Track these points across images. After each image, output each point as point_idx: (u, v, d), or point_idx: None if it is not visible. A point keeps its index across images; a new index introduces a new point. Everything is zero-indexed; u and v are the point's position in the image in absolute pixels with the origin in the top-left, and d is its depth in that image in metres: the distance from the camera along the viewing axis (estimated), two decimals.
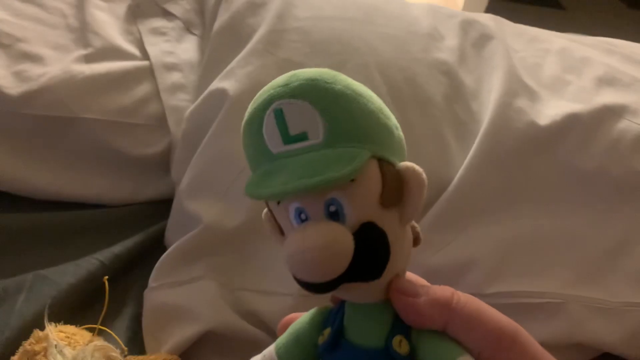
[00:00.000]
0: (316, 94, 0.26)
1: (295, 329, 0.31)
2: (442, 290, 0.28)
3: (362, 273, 0.26)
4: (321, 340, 0.29)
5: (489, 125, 0.61)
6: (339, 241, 0.25)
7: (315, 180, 0.24)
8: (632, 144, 0.62)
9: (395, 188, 0.27)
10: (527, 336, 0.28)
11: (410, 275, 0.31)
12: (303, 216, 0.27)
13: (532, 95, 0.65)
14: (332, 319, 0.30)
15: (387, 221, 0.27)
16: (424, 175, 0.27)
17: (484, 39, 0.72)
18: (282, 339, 0.31)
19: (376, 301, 0.29)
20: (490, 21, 0.77)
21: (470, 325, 0.27)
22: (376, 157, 0.26)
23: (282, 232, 0.29)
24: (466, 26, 0.73)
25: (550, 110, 0.64)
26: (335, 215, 0.26)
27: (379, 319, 0.29)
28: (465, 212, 0.60)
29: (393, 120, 0.28)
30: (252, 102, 0.28)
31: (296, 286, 0.58)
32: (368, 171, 0.26)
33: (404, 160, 0.28)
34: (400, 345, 0.28)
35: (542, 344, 0.28)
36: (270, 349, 0.31)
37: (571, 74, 0.71)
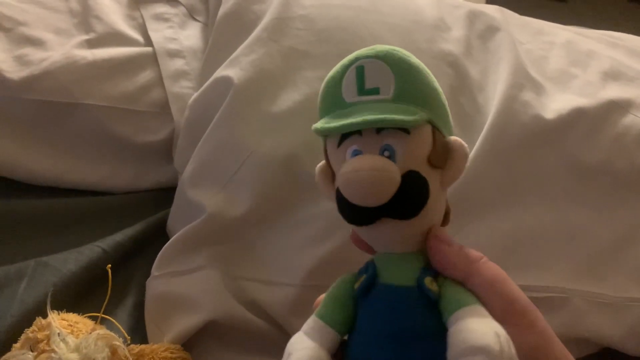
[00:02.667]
0: (394, 59, 0.31)
1: (329, 292, 0.33)
2: (474, 250, 0.31)
3: (402, 208, 0.29)
4: (358, 284, 0.32)
5: (495, 118, 0.61)
6: (390, 169, 0.29)
7: (381, 117, 0.29)
8: (637, 138, 0.62)
9: (442, 153, 0.31)
10: (540, 316, 0.30)
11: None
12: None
13: (538, 88, 0.65)
14: (364, 271, 0.33)
15: (430, 176, 0.30)
16: (468, 150, 0.31)
17: (490, 30, 0.71)
18: (319, 307, 0.33)
19: (406, 250, 0.32)
20: (497, 12, 0.76)
21: (487, 287, 0.29)
22: (432, 124, 0.31)
23: (332, 181, 0.34)
24: (472, 17, 0.73)
25: (556, 103, 0.63)
26: (387, 159, 0.30)
27: (410, 265, 0.31)
28: (469, 205, 0.59)
29: (447, 103, 0.33)
30: (341, 61, 0.33)
31: (299, 276, 0.58)
32: (422, 131, 0.30)
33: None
34: (431, 284, 0.30)
35: None
36: (310, 318, 0.33)
37: (577, 67, 0.71)
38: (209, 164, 0.61)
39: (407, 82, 0.30)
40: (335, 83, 0.32)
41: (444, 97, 0.32)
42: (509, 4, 0.84)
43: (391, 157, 0.30)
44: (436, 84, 0.32)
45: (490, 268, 0.30)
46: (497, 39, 0.70)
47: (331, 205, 0.58)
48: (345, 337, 0.33)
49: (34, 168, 0.65)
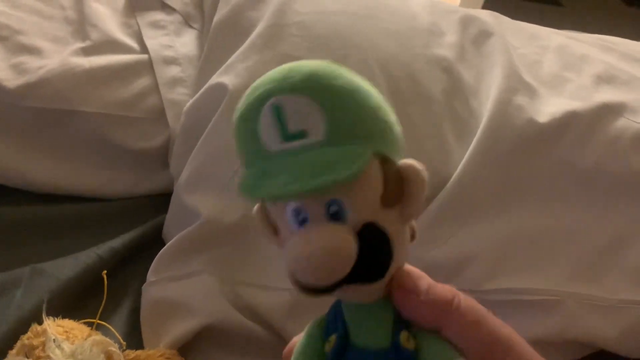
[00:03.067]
0: (317, 89, 0.25)
1: (298, 350, 0.30)
2: (443, 291, 0.27)
3: (365, 275, 0.26)
4: (328, 347, 0.29)
5: (488, 122, 0.61)
6: (344, 245, 0.24)
7: (318, 181, 0.23)
8: (630, 142, 0.62)
9: (397, 186, 0.26)
10: (524, 347, 0.27)
11: (410, 268, 0.31)
12: (301, 217, 0.26)
13: (531, 92, 0.65)
14: (333, 325, 0.29)
15: (388, 220, 0.26)
16: (425, 173, 0.26)
17: (483, 35, 0.72)
18: None
19: (375, 299, 0.28)
20: (490, 17, 0.76)
21: (464, 335, 0.27)
22: (377, 156, 0.25)
23: (274, 231, 0.28)
24: (466, 22, 0.73)
25: (549, 107, 0.64)
26: (335, 216, 0.25)
27: (380, 317, 0.28)
28: (464, 209, 0.60)
29: (392, 115, 0.27)
30: (246, 95, 0.26)
31: None
32: (369, 170, 0.25)
33: (403, 157, 0.27)
34: (407, 341, 0.27)
35: (538, 341, 0.28)
36: None
37: (570, 71, 0.71)
38: (205, 170, 0.61)
39: (338, 115, 0.24)
40: (251, 127, 0.25)
41: (384, 109, 0.26)
42: (505, 8, 0.84)
43: (340, 214, 0.25)
44: (372, 98, 0.26)
45: (463, 314, 0.27)
46: (491, 44, 0.71)
47: None
48: None
49: (30, 175, 0.66)
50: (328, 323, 0.30)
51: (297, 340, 0.31)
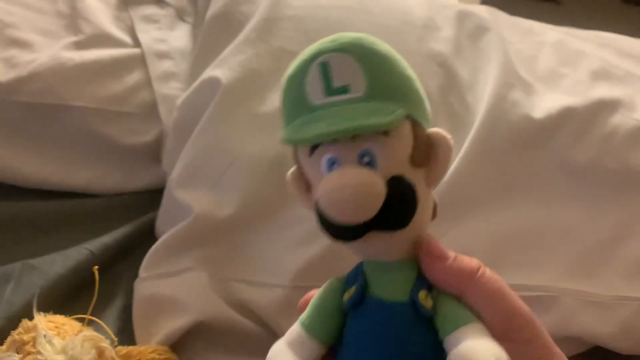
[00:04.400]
0: (362, 51, 0.28)
1: (316, 300, 0.31)
2: (469, 261, 0.29)
3: (390, 220, 0.27)
4: (347, 296, 0.30)
5: (484, 118, 0.61)
6: (375, 182, 0.26)
7: (357, 123, 0.26)
8: (626, 138, 0.62)
9: (425, 149, 0.29)
10: (540, 327, 0.29)
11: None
12: (335, 166, 0.28)
13: (527, 87, 0.65)
14: (353, 279, 0.31)
15: (415, 178, 0.28)
16: (452, 141, 0.29)
17: (479, 30, 0.71)
18: (304, 314, 0.31)
19: (397, 258, 0.30)
20: (486, 13, 0.76)
21: (485, 303, 0.28)
22: (410, 118, 0.28)
23: (307, 190, 0.31)
24: (462, 17, 0.73)
25: (545, 103, 0.63)
26: (367, 166, 0.27)
27: (402, 276, 0.30)
28: (459, 204, 0.59)
29: (423, 91, 0.30)
30: (298, 56, 0.29)
31: (287, 277, 0.58)
32: (402, 129, 0.28)
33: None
34: (425, 299, 0.28)
35: None
36: (294, 327, 0.31)
37: (566, 67, 0.71)
38: (197, 165, 0.60)
39: (378, 76, 0.27)
40: (298, 83, 0.28)
41: (418, 83, 0.30)
42: (502, 5, 0.84)
43: (371, 164, 0.27)
44: (409, 69, 0.29)
45: (487, 282, 0.28)
46: (487, 39, 0.70)
47: None
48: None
49: (21, 170, 0.65)
50: (348, 278, 0.31)
51: (314, 292, 0.32)
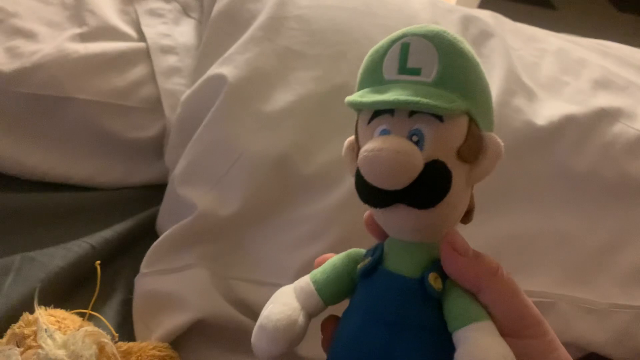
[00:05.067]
0: (443, 42, 0.29)
1: (332, 261, 0.33)
2: (490, 260, 0.30)
3: (419, 197, 0.28)
4: (361, 265, 0.32)
5: None
6: (413, 153, 0.28)
7: (420, 99, 0.27)
8: (625, 147, 0.63)
9: (475, 148, 0.29)
10: (548, 326, 0.30)
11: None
12: None
13: (529, 94, 0.65)
14: (371, 253, 0.32)
15: (456, 170, 0.29)
16: (503, 149, 0.30)
17: (483, 35, 0.72)
18: (317, 269, 0.33)
19: (418, 240, 0.31)
20: (490, 18, 0.76)
21: (498, 303, 0.29)
22: (469, 115, 0.29)
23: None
24: (466, 22, 0.73)
25: (547, 110, 0.64)
26: (414, 144, 0.28)
27: (418, 256, 0.31)
28: None
29: (492, 103, 0.31)
30: (389, 35, 0.31)
31: (288, 276, 0.58)
32: (457, 121, 0.29)
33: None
34: (435, 281, 0.30)
35: None
36: (304, 277, 0.33)
37: (568, 75, 0.71)
38: (201, 162, 0.60)
39: (450, 67, 0.29)
40: (379, 57, 0.30)
41: (489, 91, 0.31)
42: (500, 11, 0.84)
43: (419, 143, 0.28)
44: (484, 75, 0.30)
45: (503, 283, 0.29)
46: (491, 45, 0.71)
47: (322, 206, 0.58)
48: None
49: (22, 162, 0.64)
50: (367, 252, 0.33)
51: (331, 255, 0.34)
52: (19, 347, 0.46)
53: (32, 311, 0.49)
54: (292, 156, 0.58)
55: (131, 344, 0.51)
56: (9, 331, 0.48)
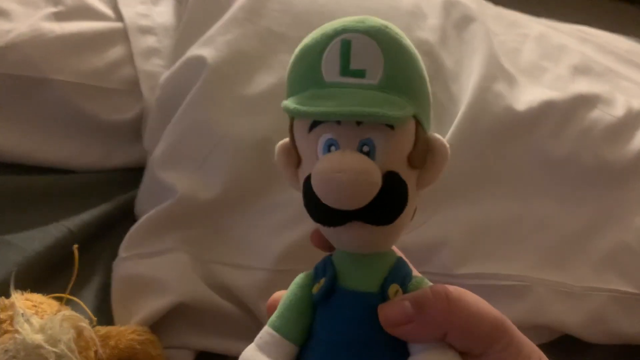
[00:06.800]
0: (387, 40, 0.27)
1: (285, 299, 0.30)
2: (437, 298, 0.27)
3: (378, 214, 0.27)
4: (316, 289, 0.29)
5: (467, 108, 0.61)
6: (373, 172, 0.26)
7: (372, 110, 0.25)
8: (602, 133, 0.63)
9: (423, 152, 0.28)
10: (510, 323, 0.28)
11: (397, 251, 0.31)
12: (333, 149, 0.27)
13: (510, 80, 0.66)
14: (322, 272, 0.30)
15: (408, 179, 0.28)
16: (449, 150, 0.28)
17: (465, 20, 0.72)
18: (273, 316, 0.30)
19: (373, 252, 0.29)
20: (472, 3, 0.76)
21: (467, 330, 0.27)
22: (416, 118, 0.28)
23: (296, 165, 0.30)
24: (448, 6, 0.73)
25: (527, 96, 0.64)
26: (366, 156, 0.27)
27: (374, 267, 0.29)
28: (439, 194, 0.60)
29: (431, 94, 0.30)
30: (319, 28, 0.28)
31: (270, 260, 0.58)
32: (407, 127, 0.27)
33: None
34: (395, 294, 0.28)
35: None
36: (264, 330, 0.30)
37: (548, 61, 0.72)
38: (181, 145, 0.60)
39: (396, 68, 0.27)
40: (315, 55, 0.27)
41: (429, 86, 0.29)
42: None
43: (370, 154, 0.27)
44: (424, 71, 0.29)
45: (461, 312, 0.27)
46: (472, 30, 0.70)
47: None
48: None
49: None
50: (317, 271, 0.31)
51: (281, 293, 0.31)
52: None
53: (8, 295, 0.48)
54: (273, 140, 0.56)
55: (109, 328, 0.50)
56: None
